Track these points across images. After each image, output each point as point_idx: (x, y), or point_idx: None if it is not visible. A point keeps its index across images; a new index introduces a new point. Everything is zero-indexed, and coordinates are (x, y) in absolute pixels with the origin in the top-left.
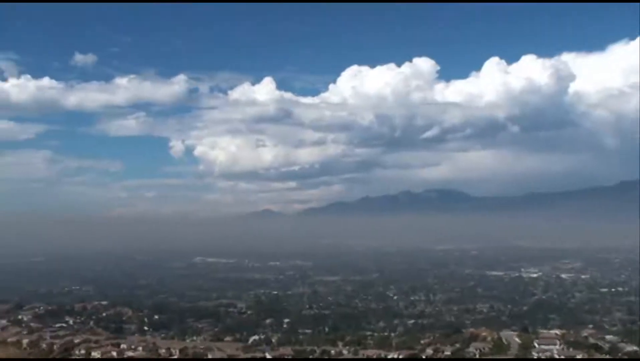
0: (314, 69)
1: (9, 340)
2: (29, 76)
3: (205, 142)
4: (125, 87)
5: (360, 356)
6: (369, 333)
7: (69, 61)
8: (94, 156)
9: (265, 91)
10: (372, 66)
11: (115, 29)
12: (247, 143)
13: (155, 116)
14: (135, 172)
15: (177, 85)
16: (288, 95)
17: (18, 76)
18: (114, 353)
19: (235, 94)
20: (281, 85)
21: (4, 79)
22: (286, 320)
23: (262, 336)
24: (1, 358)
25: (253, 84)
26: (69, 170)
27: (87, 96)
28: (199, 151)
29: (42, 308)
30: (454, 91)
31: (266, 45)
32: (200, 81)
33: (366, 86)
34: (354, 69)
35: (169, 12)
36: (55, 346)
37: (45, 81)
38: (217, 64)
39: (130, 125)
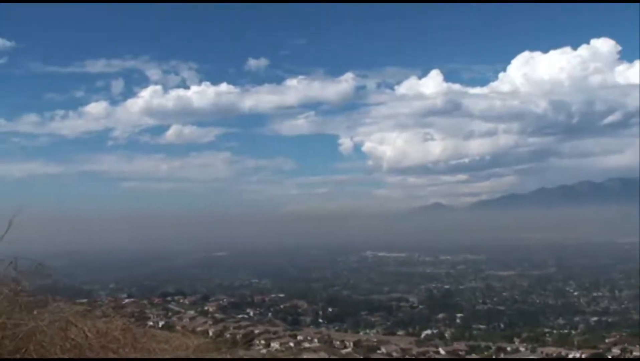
0: (482, 58)
1: (198, 329)
2: (208, 83)
3: (374, 138)
4: (295, 88)
5: (538, 353)
6: (547, 330)
7: (243, 66)
8: (268, 155)
9: (432, 84)
10: (545, 51)
11: (285, 32)
12: (415, 137)
13: (325, 115)
14: (307, 169)
15: (345, 83)
16: (456, 86)
17: (199, 84)
18: (292, 344)
19: (402, 88)
20: (449, 77)
21: (187, 87)
22: (459, 315)
23: (435, 331)
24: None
25: (420, 77)
26: (246, 170)
27: (260, 99)
28: (367, 147)
29: (225, 299)
30: (638, 72)
31: (432, 38)
32: (367, 78)
33: (539, 72)
34: (525, 55)
35: (336, 12)
36: (238, 336)
37: (223, 87)
38: (383, 60)
39: (300, 124)
